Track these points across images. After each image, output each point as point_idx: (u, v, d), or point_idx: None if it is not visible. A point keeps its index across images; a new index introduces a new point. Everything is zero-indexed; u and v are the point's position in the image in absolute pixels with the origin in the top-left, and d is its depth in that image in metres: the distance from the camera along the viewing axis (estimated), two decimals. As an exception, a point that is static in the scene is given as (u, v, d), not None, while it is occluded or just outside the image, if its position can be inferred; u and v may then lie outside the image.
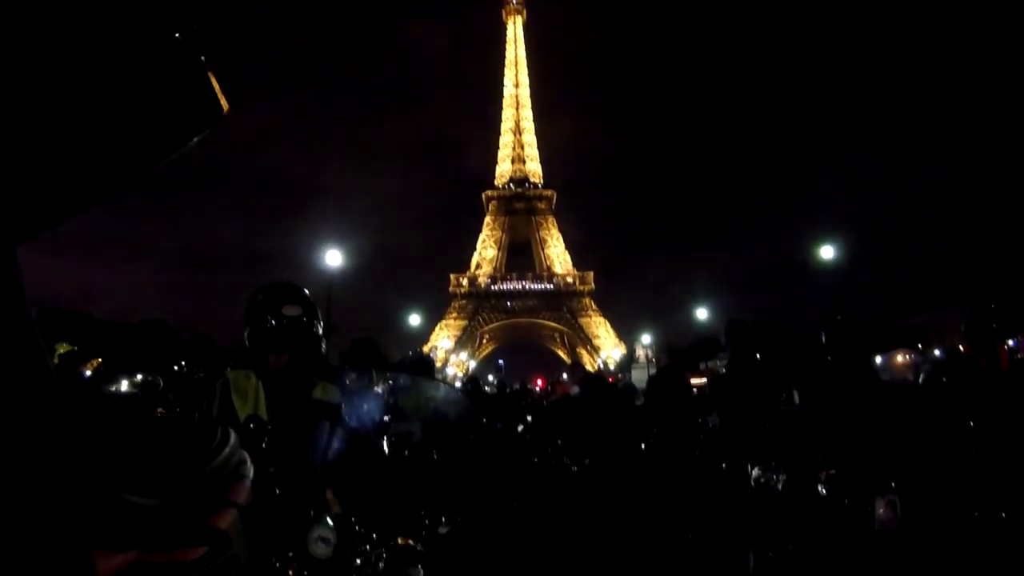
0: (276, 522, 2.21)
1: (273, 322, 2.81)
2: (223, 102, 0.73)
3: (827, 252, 30.93)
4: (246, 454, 1.11)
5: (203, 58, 0.70)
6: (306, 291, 3.04)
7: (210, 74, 0.71)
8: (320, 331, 2.97)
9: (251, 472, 1.08)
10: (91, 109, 0.66)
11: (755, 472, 3.88)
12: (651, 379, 7.23)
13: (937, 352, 17.84)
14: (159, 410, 6.89)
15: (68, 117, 0.65)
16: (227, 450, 1.04)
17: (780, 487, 3.78)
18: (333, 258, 29.72)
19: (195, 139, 0.73)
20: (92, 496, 0.79)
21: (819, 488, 3.22)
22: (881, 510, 2.98)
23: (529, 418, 8.82)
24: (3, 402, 0.62)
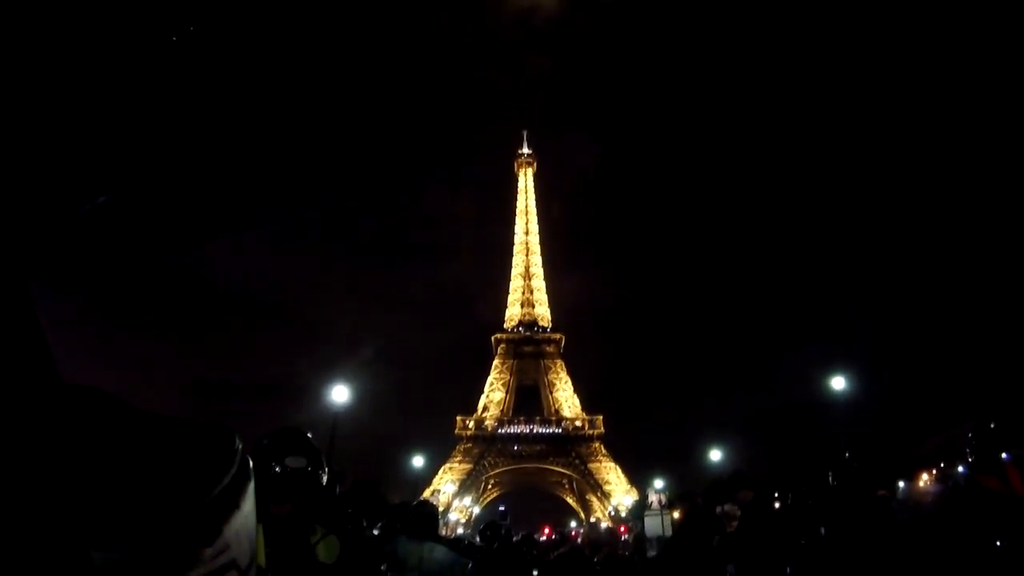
0: None
1: (277, 470, 2.79)
2: (220, 110, 0.73)
3: (838, 383, 30.68)
4: (248, 458, 1.11)
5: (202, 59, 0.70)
6: (311, 439, 3.02)
7: (205, 92, 0.71)
8: (324, 481, 2.93)
9: (252, 474, 1.10)
10: (93, 108, 0.65)
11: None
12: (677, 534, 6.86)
13: (961, 469, 17.19)
14: None
15: (69, 116, 0.64)
16: (235, 468, 1.03)
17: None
18: (339, 394, 29.53)
19: (194, 148, 0.72)
20: (95, 498, 0.76)
21: None
22: None
23: (535, 573, 8.38)
24: (7, 404, 0.61)
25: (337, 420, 29.11)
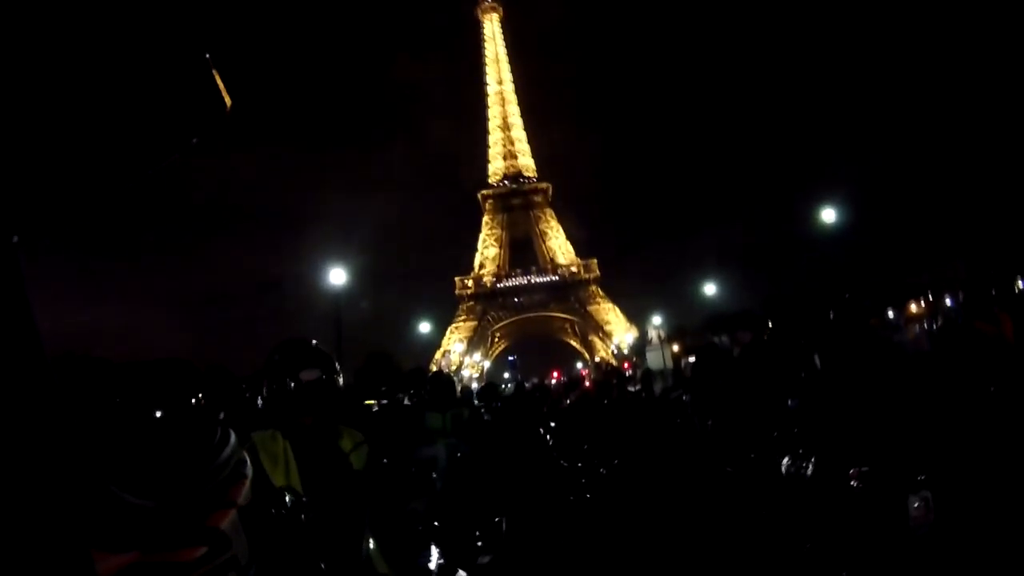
0: None
1: (292, 385, 2.82)
2: (226, 98, 0.74)
3: (828, 216, 30.87)
4: (245, 454, 1.11)
5: (207, 55, 0.71)
6: (321, 348, 3.05)
7: (215, 73, 0.72)
8: (341, 383, 2.99)
9: (251, 472, 1.08)
10: (95, 105, 0.65)
11: (785, 461, 3.89)
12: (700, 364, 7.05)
13: (948, 301, 17.76)
14: None
15: (70, 115, 0.65)
16: (227, 450, 1.04)
17: (809, 474, 3.78)
18: (337, 276, 29.76)
19: (198, 137, 0.73)
20: (92, 496, 0.79)
21: (852, 483, 3.21)
22: (915, 507, 2.98)
23: (552, 424, 8.79)
24: (3, 402, 0.61)
25: (339, 302, 29.53)
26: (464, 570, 5.27)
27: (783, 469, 3.86)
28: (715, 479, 5.02)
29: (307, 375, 2.84)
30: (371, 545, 2.79)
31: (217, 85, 0.72)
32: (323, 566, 2.37)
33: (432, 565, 5.19)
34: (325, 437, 2.92)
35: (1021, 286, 3.77)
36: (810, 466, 3.69)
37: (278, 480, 2.65)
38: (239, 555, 0.96)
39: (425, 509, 5.55)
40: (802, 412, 4.41)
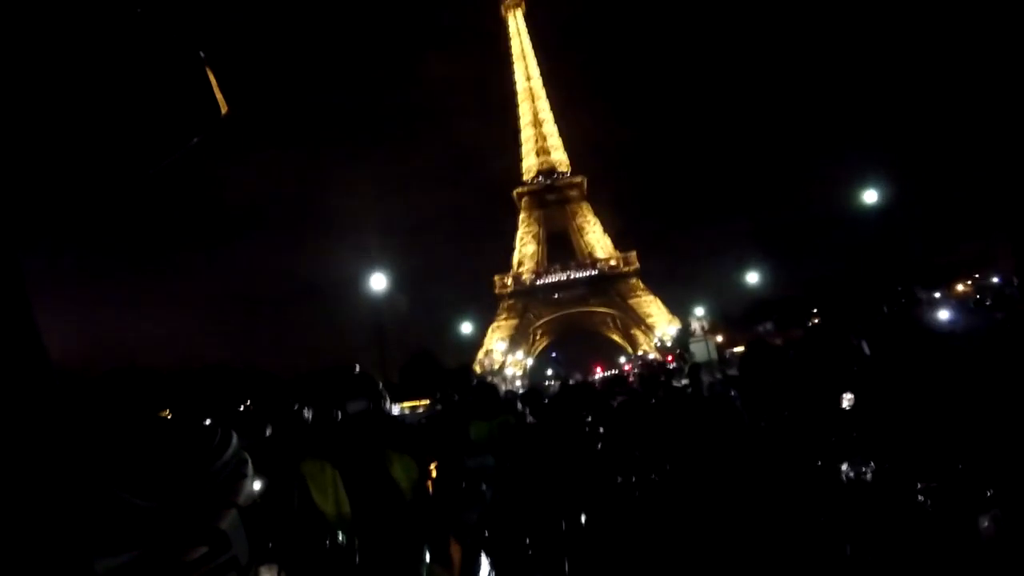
0: None
1: (340, 415, 2.82)
2: (221, 102, 0.73)
3: (870, 196, 30.16)
4: (247, 455, 1.12)
5: (202, 55, 0.71)
6: (367, 375, 3.03)
7: (209, 72, 0.72)
8: (388, 406, 2.98)
9: (251, 472, 1.09)
10: (92, 107, 0.66)
11: (845, 467, 3.78)
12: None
13: (996, 279, 17.16)
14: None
15: (69, 115, 0.65)
16: (228, 451, 1.04)
17: (871, 481, 3.67)
18: (378, 282, 30.09)
19: (195, 139, 0.73)
20: (94, 496, 0.80)
21: (919, 498, 3.10)
22: (985, 526, 2.86)
23: (600, 428, 8.70)
24: (4, 403, 0.62)
25: (380, 309, 29.91)
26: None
27: (843, 476, 3.75)
28: (773, 485, 4.91)
29: (354, 406, 2.83)
30: (427, 561, 2.77)
31: (212, 87, 0.72)
32: None
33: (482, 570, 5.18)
34: (374, 466, 2.89)
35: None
36: (870, 473, 3.59)
37: (328, 511, 2.64)
38: (239, 555, 0.96)
39: (476, 520, 5.55)
40: (859, 413, 4.29)
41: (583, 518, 5.52)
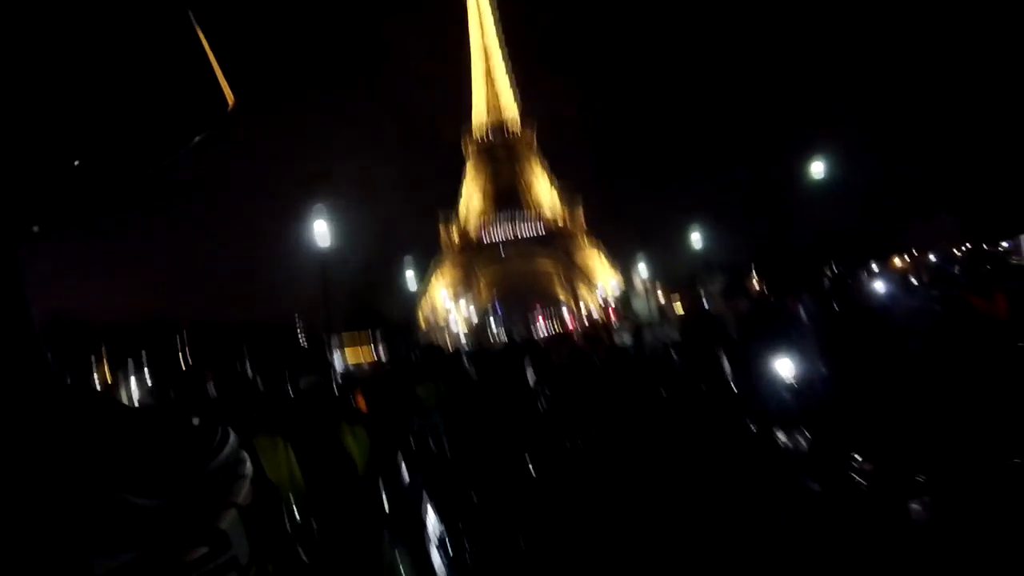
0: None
1: (292, 393, 2.82)
2: (228, 95, 0.73)
3: (817, 169, 30.81)
4: (246, 454, 1.10)
5: (204, 44, 0.70)
6: (317, 351, 3.04)
7: (214, 63, 0.71)
8: (340, 381, 3.00)
9: (251, 472, 1.07)
10: (95, 102, 0.65)
11: (781, 435, 3.97)
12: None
13: (932, 257, 17.97)
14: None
15: (70, 114, 0.64)
16: (227, 449, 1.03)
17: (806, 452, 3.87)
18: (322, 237, 29.57)
19: (200, 135, 0.72)
20: (91, 496, 0.79)
21: (853, 476, 3.27)
22: (916, 508, 3.04)
23: (545, 389, 8.84)
24: (3, 402, 0.61)
25: (326, 260, 29.50)
26: (460, 534, 5.38)
27: (779, 444, 3.94)
28: (709, 448, 5.10)
29: (305, 382, 2.87)
30: (387, 539, 2.81)
31: (218, 82, 0.70)
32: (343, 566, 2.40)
33: (431, 529, 5.28)
34: (328, 439, 2.91)
35: (1014, 260, 3.82)
36: (806, 443, 3.77)
37: (282, 485, 2.63)
38: (239, 555, 0.94)
39: (424, 481, 5.64)
40: (798, 384, 4.48)
41: (530, 472, 5.65)
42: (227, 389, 7.16)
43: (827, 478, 3.55)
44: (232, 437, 1.06)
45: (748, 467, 4.38)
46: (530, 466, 5.47)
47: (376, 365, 11.28)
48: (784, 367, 4.78)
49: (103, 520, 0.79)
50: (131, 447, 0.92)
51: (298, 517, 2.50)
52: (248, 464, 1.06)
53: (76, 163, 0.65)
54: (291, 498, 2.59)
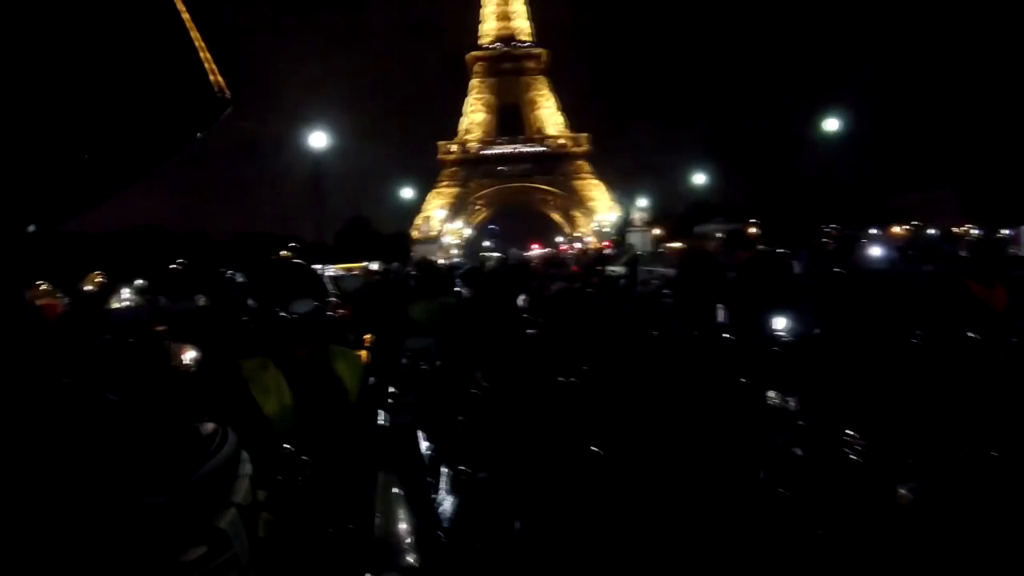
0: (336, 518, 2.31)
1: (283, 316, 2.66)
2: (223, 86, 0.72)
3: (831, 124, 30.28)
4: (246, 453, 1.12)
5: (205, 47, 0.69)
6: (312, 273, 2.94)
7: (212, 65, 0.69)
8: (331, 310, 2.93)
9: (250, 471, 1.10)
10: (93, 104, 0.64)
11: (771, 394, 4.02)
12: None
13: (931, 231, 17.92)
14: (161, 328, 6.89)
15: (69, 115, 0.63)
16: (227, 449, 1.05)
17: (793, 408, 3.93)
18: (318, 139, 29.09)
19: (200, 133, 0.72)
20: (92, 495, 0.79)
21: (845, 451, 3.31)
22: (903, 494, 3.09)
23: (538, 318, 8.87)
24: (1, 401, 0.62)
25: (320, 166, 29.08)
26: (448, 460, 5.49)
27: (768, 401, 4.00)
28: (694, 394, 5.18)
29: (301, 306, 2.69)
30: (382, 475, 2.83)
31: (208, 80, 0.69)
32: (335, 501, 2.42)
33: (423, 450, 5.38)
34: (318, 363, 2.82)
35: (1012, 250, 3.84)
36: (794, 403, 3.83)
37: (271, 410, 2.59)
38: (239, 554, 0.97)
39: (416, 400, 5.72)
40: (792, 343, 4.52)
41: (518, 398, 5.71)
42: (217, 304, 7.12)
43: (813, 444, 3.61)
44: (232, 437, 1.07)
45: (735, 419, 4.47)
46: (522, 397, 5.54)
47: (368, 275, 11.22)
48: (779, 322, 4.81)
49: (104, 520, 0.79)
50: (131, 448, 0.92)
51: (288, 446, 2.48)
52: (248, 464, 1.10)
53: (78, 162, 0.65)
54: (280, 422, 2.53)
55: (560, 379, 5.74)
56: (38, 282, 9.39)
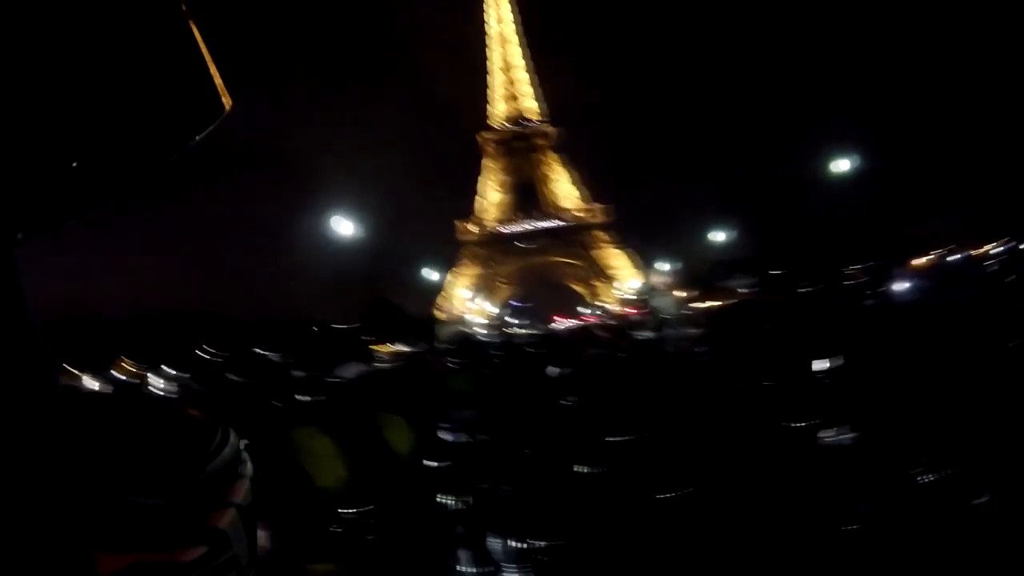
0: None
1: (332, 385, 2.71)
2: (226, 99, 0.72)
3: (841, 165, 30.51)
4: (247, 454, 1.12)
5: (204, 48, 0.69)
6: (362, 339, 2.96)
7: (211, 64, 0.70)
8: (382, 372, 2.95)
9: (251, 472, 1.09)
10: (91, 105, 0.64)
11: (825, 433, 3.95)
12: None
13: (953, 256, 17.68)
14: (195, 412, 6.92)
15: (68, 116, 0.63)
16: (227, 450, 1.05)
17: (849, 444, 3.85)
18: (345, 227, 29.75)
19: (197, 137, 0.72)
20: (92, 496, 0.80)
21: (916, 477, 3.23)
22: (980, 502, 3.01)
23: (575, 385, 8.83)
24: (2, 405, 0.61)
25: (344, 251, 29.72)
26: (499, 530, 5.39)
27: (822, 441, 3.92)
28: (745, 443, 5.08)
29: (348, 371, 2.78)
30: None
31: (214, 84, 0.70)
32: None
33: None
34: (369, 433, 2.81)
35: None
36: (850, 439, 3.75)
37: (325, 482, 2.55)
38: (239, 555, 0.97)
39: (459, 472, 5.64)
40: (838, 381, 4.46)
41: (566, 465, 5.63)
42: (258, 378, 7.16)
43: (882, 484, 3.51)
44: (233, 438, 1.07)
45: (793, 466, 4.36)
46: (573, 463, 5.47)
47: (401, 356, 11.25)
48: (823, 362, 4.76)
49: (102, 519, 0.81)
50: (132, 448, 0.94)
51: (346, 509, 2.44)
52: (248, 464, 1.09)
53: (72, 165, 0.64)
54: (334, 493, 2.52)
55: (612, 439, 5.67)
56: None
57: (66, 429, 0.69)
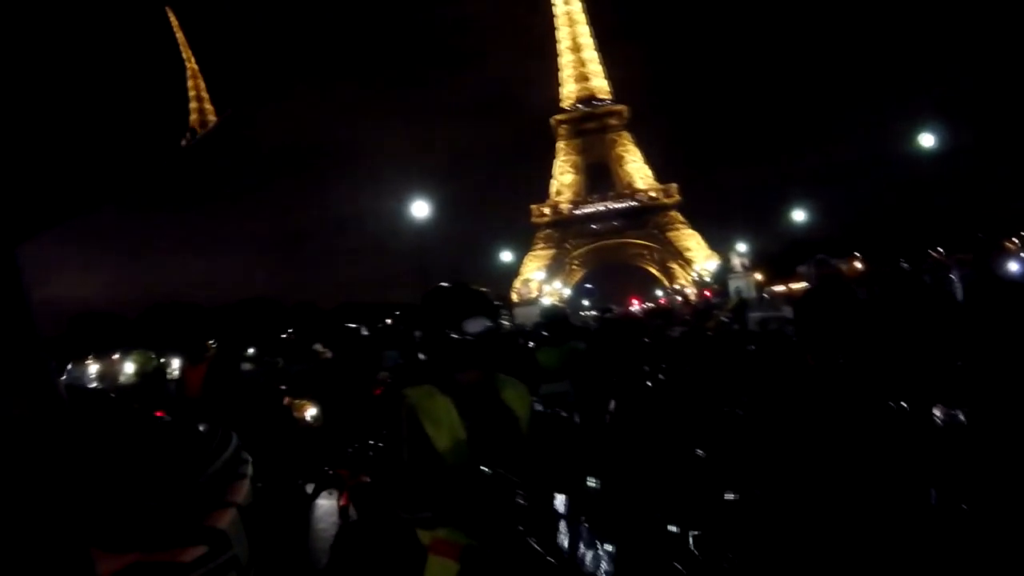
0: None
1: (455, 337, 2.54)
2: (210, 112, 0.73)
3: (927, 140, 29.11)
4: (247, 455, 1.14)
5: (192, 62, 0.71)
6: (485, 293, 2.77)
7: (200, 79, 0.71)
8: (506, 328, 2.85)
9: (250, 472, 1.11)
10: (90, 108, 0.68)
11: (937, 411, 3.83)
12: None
13: None
14: (282, 387, 7.21)
15: (68, 117, 0.67)
16: (228, 451, 1.07)
17: (964, 421, 3.73)
18: (420, 209, 30.06)
19: (193, 139, 0.76)
20: (93, 496, 0.82)
21: None
22: None
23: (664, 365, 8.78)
24: (3, 404, 0.62)
25: (423, 235, 30.10)
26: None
27: (936, 420, 3.81)
28: (851, 425, 4.95)
29: (474, 326, 2.55)
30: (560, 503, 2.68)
31: (187, 95, 0.73)
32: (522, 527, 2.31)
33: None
34: (488, 394, 2.68)
35: None
36: (963, 416, 3.64)
37: (443, 444, 2.47)
38: (240, 555, 0.99)
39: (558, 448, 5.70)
40: (947, 357, 4.31)
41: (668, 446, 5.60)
42: (345, 356, 7.30)
43: (993, 461, 3.39)
44: (233, 439, 1.10)
45: (898, 443, 4.24)
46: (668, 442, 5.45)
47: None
48: (932, 341, 4.61)
49: (104, 520, 0.83)
50: (133, 449, 0.98)
51: (462, 470, 2.33)
52: (249, 465, 1.12)
53: (70, 168, 0.66)
54: (452, 457, 2.42)
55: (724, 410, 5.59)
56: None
57: (66, 429, 0.70)
